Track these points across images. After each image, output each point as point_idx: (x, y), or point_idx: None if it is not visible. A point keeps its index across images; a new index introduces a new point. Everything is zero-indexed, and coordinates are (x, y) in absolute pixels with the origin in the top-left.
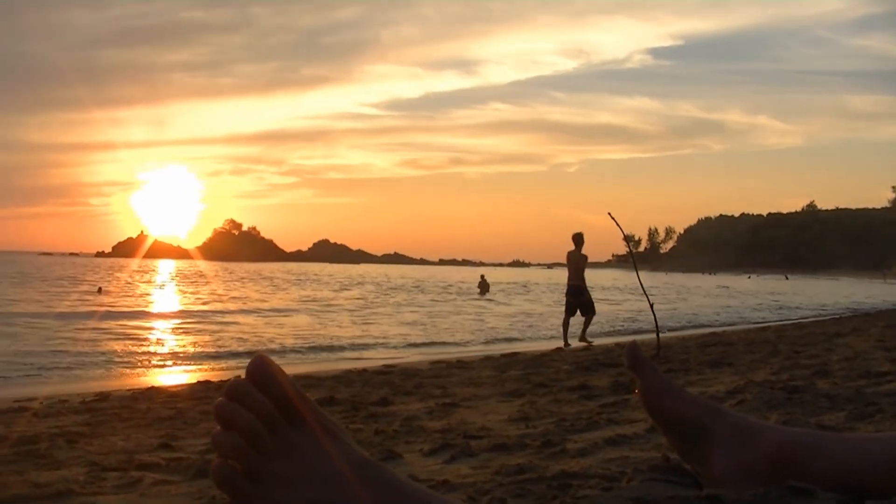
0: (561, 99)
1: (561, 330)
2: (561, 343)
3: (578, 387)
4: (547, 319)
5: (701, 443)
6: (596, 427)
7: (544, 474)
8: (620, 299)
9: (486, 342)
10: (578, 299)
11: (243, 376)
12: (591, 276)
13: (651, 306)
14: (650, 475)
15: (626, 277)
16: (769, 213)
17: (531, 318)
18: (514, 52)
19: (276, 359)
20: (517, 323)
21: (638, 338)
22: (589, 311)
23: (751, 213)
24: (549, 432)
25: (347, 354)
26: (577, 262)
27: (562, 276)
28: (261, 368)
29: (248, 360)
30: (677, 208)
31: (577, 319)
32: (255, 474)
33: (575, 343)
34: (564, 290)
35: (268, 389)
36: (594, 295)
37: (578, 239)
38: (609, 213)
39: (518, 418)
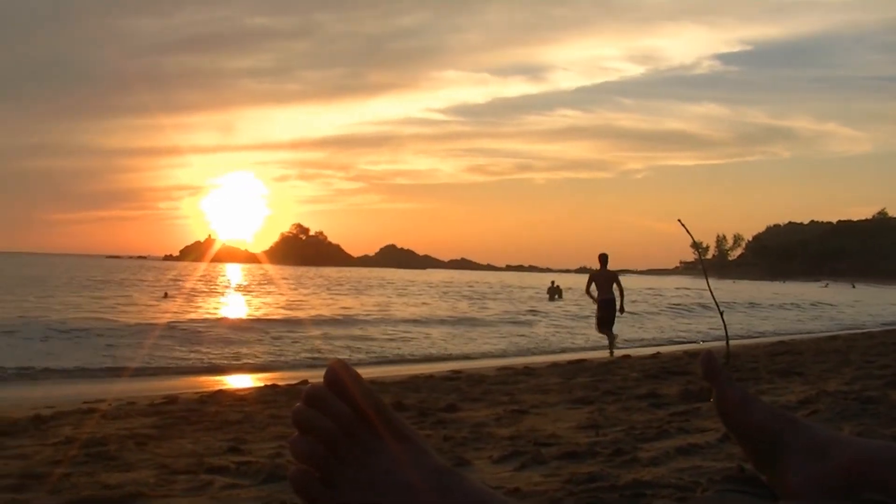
0: (628, 105)
1: (606, 342)
2: (626, 351)
3: (647, 395)
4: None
5: (776, 454)
6: (667, 436)
7: (616, 483)
8: (688, 307)
9: (555, 351)
10: (610, 313)
11: (321, 382)
12: (658, 283)
13: (721, 314)
14: (725, 486)
15: (693, 285)
16: (839, 221)
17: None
18: (580, 59)
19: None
20: (581, 329)
21: (705, 346)
22: (612, 325)
23: (820, 221)
24: (620, 440)
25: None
26: (607, 279)
27: (628, 282)
28: (339, 374)
29: (326, 366)
30: (745, 215)
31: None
32: (332, 480)
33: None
34: (596, 307)
35: (346, 395)
36: (661, 301)
37: (604, 259)
38: (679, 220)
39: (587, 426)
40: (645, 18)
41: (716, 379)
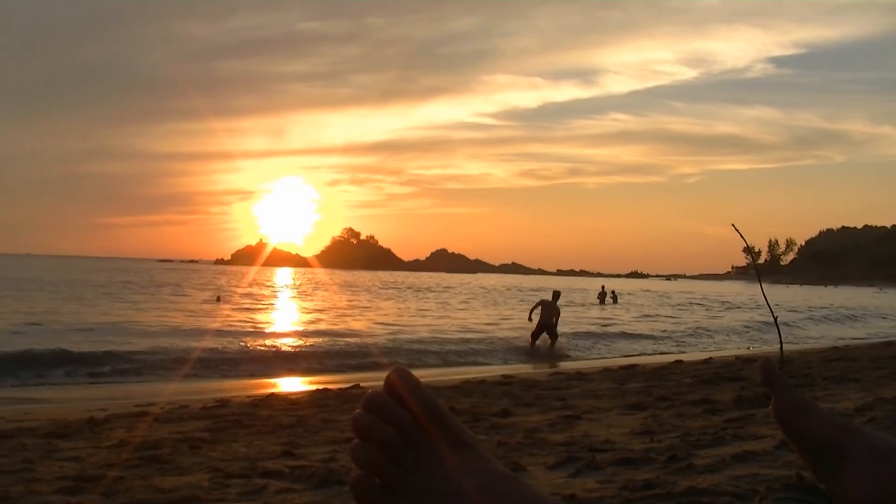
0: (680, 109)
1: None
2: (679, 357)
3: (701, 401)
4: (664, 332)
5: (837, 462)
6: (722, 442)
7: (672, 490)
8: (741, 312)
9: (607, 357)
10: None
11: (381, 387)
12: (710, 288)
13: (775, 319)
14: (783, 494)
15: (747, 290)
16: (893, 225)
17: (645, 330)
18: (632, 62)
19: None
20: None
21: (758, 351)
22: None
23: (874, 225)
24: (675, 447)
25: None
26: (552, 309)
27: (680, 287)
28: (399, 380)
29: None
30: (798, 220)
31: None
32: (393, 487)
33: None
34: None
35: (406, 401)
36: (713, 309)
37: (556, 294)
38: (733, 225)
39: (641, 432)
40: (697, 21)
41: (774, 385)
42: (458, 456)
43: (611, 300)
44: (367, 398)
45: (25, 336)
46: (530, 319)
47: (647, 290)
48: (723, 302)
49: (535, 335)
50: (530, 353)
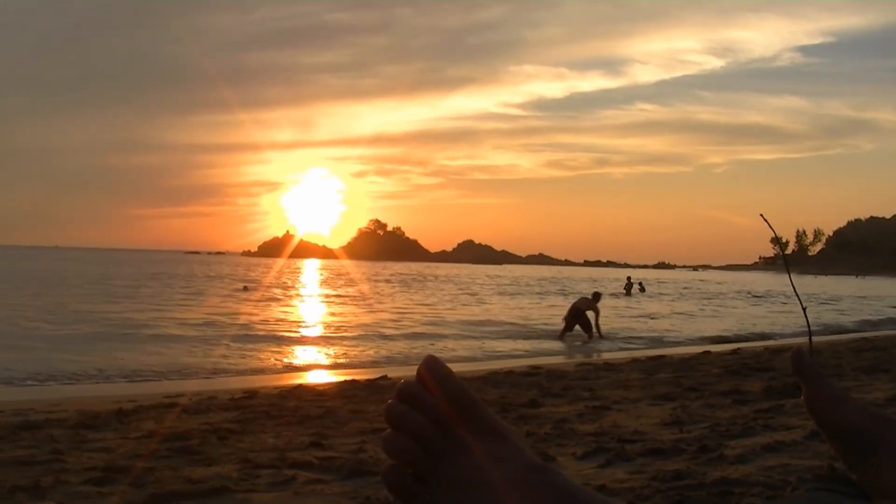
0: (708, 98)
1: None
2: (707, 348)
3: (730, 391)
4: (694, 321)
5: (870, 453)
6: (752, 433)
7: (703, 481)
8: (769, 303)
9: (635, 347)
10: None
11: (413, 377)
12: (738, 278)
13: (804, 310)
14: (815, 485)
15: (775, 280)
16: None
17: (674, 319)
18: (659, 52)
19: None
20: (660, 325)
21: (787, 342)
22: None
23: None
24: (704, 437)
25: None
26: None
27: (709, 276)
28: (431, 370)
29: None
30: (826, 210)
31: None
32: (426, 477)
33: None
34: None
35: (438, 391)
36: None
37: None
38: (762, 215)
39: (671, 422)
40: (725, 10)
41: (806, 375)
42: (491, 446)
43: (638, 290)
44: (400, 388)
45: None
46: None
47: (675, 280)
48: (752, 293)
49: (568, 324)
50: (560, 340)
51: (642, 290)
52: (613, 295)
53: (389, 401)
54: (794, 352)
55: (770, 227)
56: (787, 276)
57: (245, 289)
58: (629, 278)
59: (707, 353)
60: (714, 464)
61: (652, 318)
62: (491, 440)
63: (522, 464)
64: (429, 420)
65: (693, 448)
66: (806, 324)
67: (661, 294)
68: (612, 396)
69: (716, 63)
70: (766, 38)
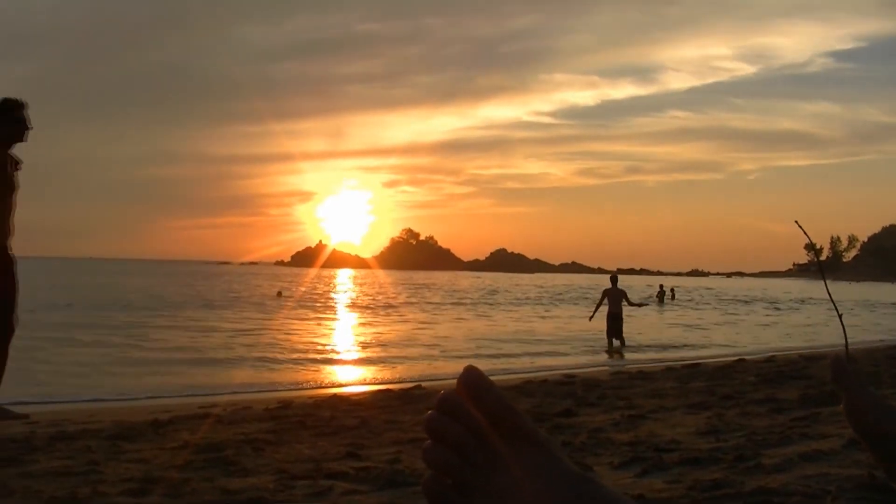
0: (740, 105)
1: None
2: (741, 356)
3: (766, 399)
4: (719, 330)
5: None
6: (789, 441)
7: (742, 490)
8: (805, 310)
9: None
10: (616, 324)
11: (453, 388)
12: (771, 285)
13: (840, 317)
14: (856, 494)
15: (809, 288)
16: None
17: (703, 329)
18: (691, 59)
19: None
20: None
21: (821, 350)
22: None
23: None
24: (741, 446)
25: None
26: (616, 295)
27: (741, 284)
28: (472, 381)
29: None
30: (860, 216)
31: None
32: (466, 489)
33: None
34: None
35: (479, 402)
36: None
37: (615, 278)
38: (796, 222)
39: (707, 431)
40: (757, 16)
41: (845, 383)
42: (532, 457)
43: (669, 298)
44: (440, 399)
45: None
46: (590, 320)
47: (709, 288)
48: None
49: (609, 331)
50: (609, 351)
51: (672, 297)
52: (640, 304)
53: (429, 412)
54: (832, 360)
55: (805, 233)
56: (823, 282)
57: (279, 294)
58: (661, 286)
59: (741, 360)
60: (752, 473)
61: (685, 327)
62: (531, 451)
63: (563, 474)
64: (469, 431)
65: (730, 457)
66: (842, 331)
67: (696, 301)
68: (648, 405)
69: (748, 69)
70: (799, 43)
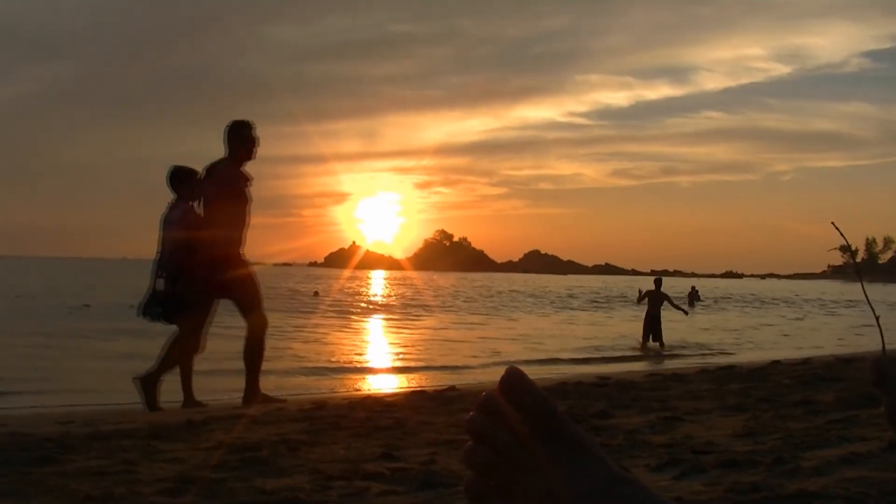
0: (774, 105)
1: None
2: (776, 358)
3: (802, 402)
4: (758, 332)
5: None
6: (827, 444)
7: (781, 493)
8: (841, 312)
9: (703, 354)
10: (655, 326)
11: (495, 389)
12: (806, 287)
13: (877, 319)
14: None
15: (846, 290)
16: None
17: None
18: (725, 59)
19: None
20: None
21: (857, 352)
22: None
23: None
24: (778, 448)
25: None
26: (658, 298)
27: (776, 286)
28: (514, 381)
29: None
30: None
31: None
32: (508, 490)
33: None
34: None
35: (520, 403)
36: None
37: (658, 281)
38: (833, 223)
39: (744, 433)
40: (791, 16)
41: (885, 386)
42: (575, 458)
43: (695, 300)
44: (482, 400)
45: None
46: (638, 303)
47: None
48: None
49: (646, 331)
50: (642, 350)
51: (698, 299)
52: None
53: (471, 413)
54: (872, 362)
55: (841, 234)
56: (860, 284)
57: (316, 294)
58: (693, 288)
59: (777, 363)
60: (790, 476)
61: (717, 329)
62: (574, 453)
63: (605, 476)
64: (511, 433)
65: (768, 460)
66: (880, 333)
67: (729, 303)
68: (683, 407)
69: (782, 69)
70: (834, 43)
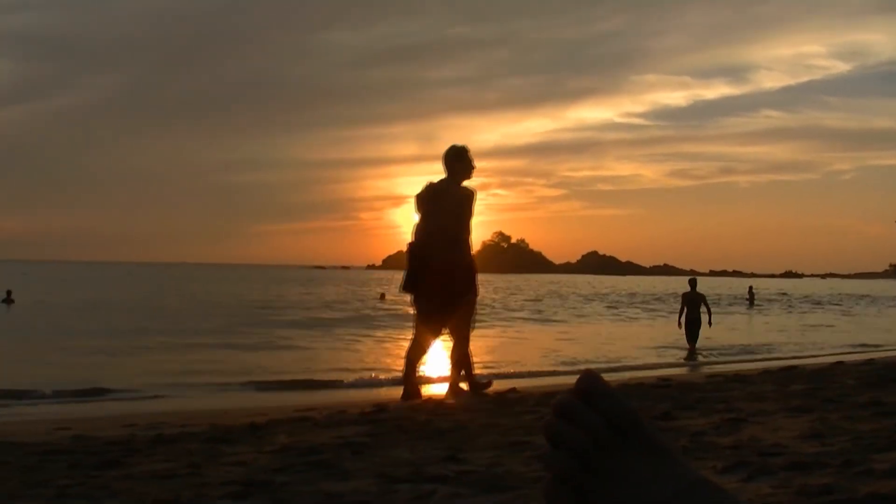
0: (834, 104)
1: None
2: (840, 358)
3: (870, 403)
4: (814, 332)
5: None
6: None
7: (854, 496)
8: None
9: (764, 358)
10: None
11: (571, 393)
12: (868, 287)
13: None
14: None
15: None
16: None
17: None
18: (784, 57)
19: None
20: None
21: None
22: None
23: None
24: (848, 450)
25: None
26: (695, 300)
27: (837, 285)
28: (591, 384)
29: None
30: None
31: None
32: (587, 495)
33: None
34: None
35: (598, 406)
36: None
37: (693, 281)
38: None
39: (811, 435)
40: (851, 13)
41: None
42: (654, 462)
43: (753, 300)
44: (558, 404)
45: None
46: (680, 326)
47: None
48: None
49: (689, 335)
50: (691, 355)
51: (753, 298)
52: (729, 306)
53: (548, 417)
54: None
55: None
56: None
57: (382, 296)
58: (751, 288)
59: (840, 363)
60: (862, 478)
61: (777, 329)
62: (653, 456)
63: (685, 480)
64: (588, 436)
65: (837, 462)
66: None
67: (787, 303)
68: (747, 408)
69: (842, 67)
70: (894, 40)
